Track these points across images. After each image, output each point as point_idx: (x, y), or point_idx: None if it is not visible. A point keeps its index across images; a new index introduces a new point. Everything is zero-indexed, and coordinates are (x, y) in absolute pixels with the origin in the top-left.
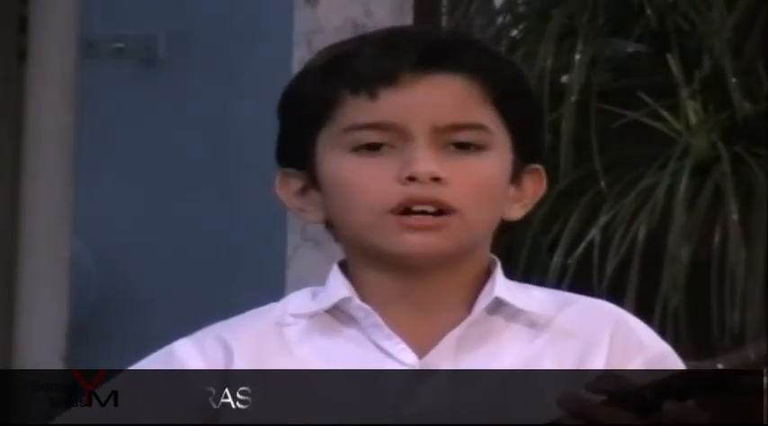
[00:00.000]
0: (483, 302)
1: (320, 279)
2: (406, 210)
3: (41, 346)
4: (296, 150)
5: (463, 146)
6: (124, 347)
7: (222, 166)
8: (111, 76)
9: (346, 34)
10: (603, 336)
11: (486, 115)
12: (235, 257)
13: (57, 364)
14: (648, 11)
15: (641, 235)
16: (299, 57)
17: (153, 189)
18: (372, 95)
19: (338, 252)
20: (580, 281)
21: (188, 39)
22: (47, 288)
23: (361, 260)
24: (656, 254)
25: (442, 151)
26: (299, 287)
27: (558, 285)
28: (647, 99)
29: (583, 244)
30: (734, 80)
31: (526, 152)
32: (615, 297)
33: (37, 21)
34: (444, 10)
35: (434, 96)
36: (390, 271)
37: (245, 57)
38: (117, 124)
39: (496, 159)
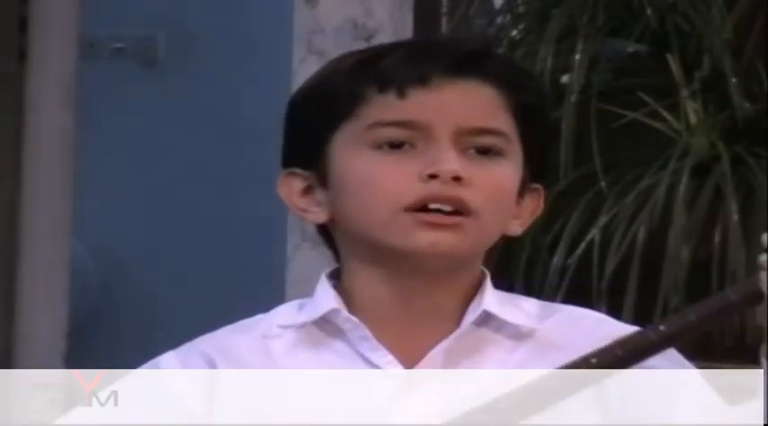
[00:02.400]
0: (471, 315)
1: (316, 278)
2: (422, 207)
3: (42, 346)
4: (306, 148)
5: (483, 152)
6: (125, 346)
7: (222, 166)
8: (111, 76)
9: (346, 34)
10: (590, 347)
11: (506, 123)
12: (236, 256)
13: (57, 364)
14: (648, 11)
15: (641, 235)
16: (300, 57)
17: (153, 189)
18: (401, 94)
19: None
20: (580, 281)
21: (188, 39)
22: (47, 289)
23: (360, 263)
24: (657, 254)
25: (464, 154)
26: (299, 285)
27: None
28: (647, 99)
29: (583, 244)
30: (734, 80)
31: (533, 168)
32: (615, 296)
33: (37, 21)
34: (444, 10)
35: (461, 100)
36: (388, 276)
37: (246, 57)
38: (117, 124)
39: (512, 167)
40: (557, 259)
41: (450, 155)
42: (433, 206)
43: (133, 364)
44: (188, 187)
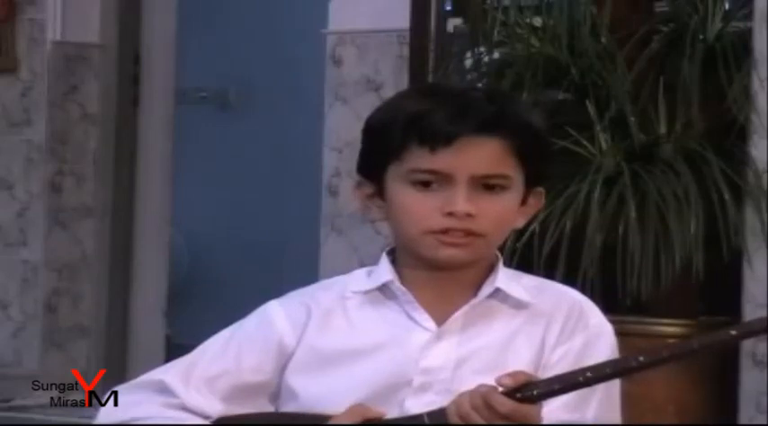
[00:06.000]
0: (486, 290)
1: (342, 259)
2: (443, 232)
3: (149, 304)
4: (371, 169)
5: (490, 187)
6: (206, 305)
7: (276, 180)
8: (197, 116)
9: (362, 86)
10: (560, 317)
11: (510, 166)
12: (285, 243)
13: (159, 317)
14: (573, 70)
15: (568, 227)
16: (329, 103)
17: (227, 195)
18: (432, 151)
19: (356, 241)
20: (526, 260)
21: (251, 90)
22: (153, 264)
23: (405, 256)
24: (578, 241)
25: (475, 191)
26: (327, 262)
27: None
28: (572, 132)
29: (527, 234)
30: (632, 119)
31: (533, 182)
32: (550, 269)
33: (146, 77)
34: (430, 70)
35: (475, 154)
36: (422, 267)
37: (292, 102)
38: (201, 150)
39: (513, 196)
40: (509, 243)
41: (465, 196)
42: (451, 233)
43: (211, 319)
44: (252, 194)
